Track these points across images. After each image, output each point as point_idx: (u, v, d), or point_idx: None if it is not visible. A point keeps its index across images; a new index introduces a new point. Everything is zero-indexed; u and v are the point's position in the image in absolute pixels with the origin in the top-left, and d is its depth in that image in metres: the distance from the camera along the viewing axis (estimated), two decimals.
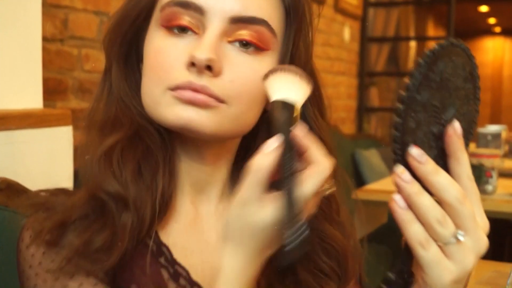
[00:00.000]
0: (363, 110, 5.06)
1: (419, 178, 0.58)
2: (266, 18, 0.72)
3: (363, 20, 5.02)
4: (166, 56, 0.71)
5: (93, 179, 0.72)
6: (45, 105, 1.34)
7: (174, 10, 0.71)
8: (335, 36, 4.47)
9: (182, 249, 0.75)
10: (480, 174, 2.35)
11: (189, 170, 0.78)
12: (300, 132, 0.63)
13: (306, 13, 0.78)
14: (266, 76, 0.69)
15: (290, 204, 0.58)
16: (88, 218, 0.70)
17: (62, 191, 0.77)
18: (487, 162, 2.35)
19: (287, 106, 0.65)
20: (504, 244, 2.94)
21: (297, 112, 0.65)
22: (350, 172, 3.42)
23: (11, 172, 1.05)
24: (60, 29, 1.89)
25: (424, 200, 0.57)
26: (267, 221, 0.62)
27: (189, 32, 0.72)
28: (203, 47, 0.69)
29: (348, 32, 4.74)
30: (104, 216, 0.70)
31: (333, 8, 4.35)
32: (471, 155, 2.41)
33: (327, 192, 0.61)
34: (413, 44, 6.69)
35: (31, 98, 1.29)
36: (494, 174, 2.37)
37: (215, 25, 0.70)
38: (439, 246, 0.58)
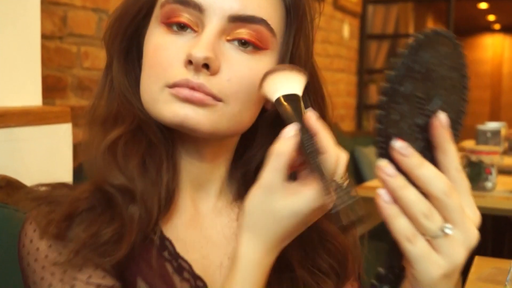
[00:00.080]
0: (362, 107, 5.07)
1: (404, 172, 0.56)
2: (265, 17, 0.72)
3: (362, 17, 5.02)
4: (164, 54, 0.71)
5: (98, 173, 0.72)
6: (44, 102, 1.34)
7: (174, 7, 0.71)
8: (335, 33, 4.48)
9: (183, 244, 0.76)
10: (479, 171, 2.35)
11: (188, 167, 0.78)
12: (313, 115, 0.63)
13: (306, 12, 0.77)
14: (260, 85, 0.70)
15: (323, 171, 0.59)
16: (94, 211, 0.71)
17: (63, 185, 0.77)
18: (486, 159, 2.35)
19: (291, 98, 0.66)
20: (504, 240, 2.95)
21: (300, 102, 0.66)
22: (349, 169, 3.42)
23: (10, 169, 1.05)
24: (59, 27, 1.89)
25: (409, 194, 0.56)
26: (291, 209, 0.62)
27: (188, 30, 0.72)
28: (201, 45, 0.69)
29: (347, 29, 4.74)
30: (111, 208, 0.71)
31: (332, 5, 4.35)
32: (471, 152, 2.41)
33: (345, 184, 0.60)
34: None
35: (30, 96, 1.29)
36: (494, 171, 2.37)
37: (213, 24, 0.70)
38: (427, 240, 0.56)
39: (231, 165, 0.82)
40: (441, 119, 0.57)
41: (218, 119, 0.71)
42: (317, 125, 0.63)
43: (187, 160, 0.78)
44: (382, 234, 0.58)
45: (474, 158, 2.36)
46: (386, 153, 0.56)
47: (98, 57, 2.04)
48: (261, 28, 0.72)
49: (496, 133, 3.09)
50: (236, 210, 0.82)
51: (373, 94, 5.38)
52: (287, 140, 0.62)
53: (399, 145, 0.56)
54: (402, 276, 0.60)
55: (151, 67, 0.72)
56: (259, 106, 0.76)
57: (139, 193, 0.71)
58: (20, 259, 0.72)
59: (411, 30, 6.80)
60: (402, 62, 0.56)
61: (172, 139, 0.76)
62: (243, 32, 0.71)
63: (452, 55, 0.59)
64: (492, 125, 3.24)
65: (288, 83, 0.68)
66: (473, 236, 0.57)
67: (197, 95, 0.69)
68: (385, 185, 0.56)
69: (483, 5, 8.87)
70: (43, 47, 1.36)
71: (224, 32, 0.71)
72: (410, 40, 0.56)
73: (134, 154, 0.73)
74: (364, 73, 5.08)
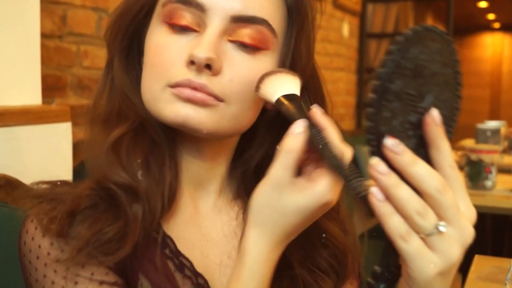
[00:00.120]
0: (362, 106, 5.06)
1: (397, 170, 0.56)
2: (267, 18, 0.72)
3: (362, 16, 5.02)
4: (166, 53, 0.71)
5: (101, 171, 0.72)
6: (44, 101, 1.34)
7: (176, 6, 0.71)
8: (334, 32, 4.47)
9: (184, 242, 0.76)
10: (479, 170, 2.35)
11: (188, 166, 0.78)
12: (318, 111, 0.64)
13: (308, 13, 0.78)
14: (257, 87, 0.70)
15: (340, 163, 0.59)
16: (96, 208, 0.71)
17: (64, 183, 0.77)
18: (486, 158, 2.35)
19: (291, 97, 0.67)
20: (504, 239, 2.95)
21: (300, 100, 0.67)
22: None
23: (10, 168, 1.05)
24: (58, 26, 1.89)
25: (402, 192, 0.55)
26: (299, 205, 0.62)
27: (190, 30, 0.72)
28: (203, 46, 0.69)
29: (347, 28, 4.74)
30: (114, 207, 0.71)
31: (332, 4, 4.35)
32: (471, 150, 2.41)
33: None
34: None
35: (30, 95, 1.29)
36: (494, 170, 2.37)
37: (215, 24, 0.70)
38: (422, 238, 0.56)
39: (231, 164, 0.82)
40: (434, 116, 0.57)
41: (220, 119, 0.71)
42: (324, 120, 0.64)
43: (187, 159, 0.78)
44: (382, 233, 0.57)
45: (474, 157, 2.36)
46: (378, 151, 0.56)
47: (97, 56, 2.04)
48: (262, 28, 0.72)
49: (496, 132, 3.09)
50: (235, 208, 0.82)
51: None
52: (296, 136, 0.62)
53: (390, 143, 0.55)
54: (399, 274, 0.60)
55: (153, 66, 0.72)
56: (260, 106, 0.76)
57: (143, 192, 0.71)
58: (21, 257, 0.72)
59: None
60: (391, 59, 0.55)
61: (173, 138, 0.77)
62: (245, 33, 0.71)
63: (443, 51, 0.59)
64: (491, 124, 3.23)
65: (286, 85, 0.69)
66: (468, 234, 0.57)
67: (199, 95, 0.69)
68: (378, 183, 0.56)
69: (483, 4, 8.87)
70: (43, 46, 1.36)
71: (225, 32, 0.71)
72: (399, 37, 0.56)
73: (138, 152, 0.73)
74: (364, 72, 5.08)
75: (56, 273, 0.68)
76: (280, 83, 0.69)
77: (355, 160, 0.63)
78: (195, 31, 0.71)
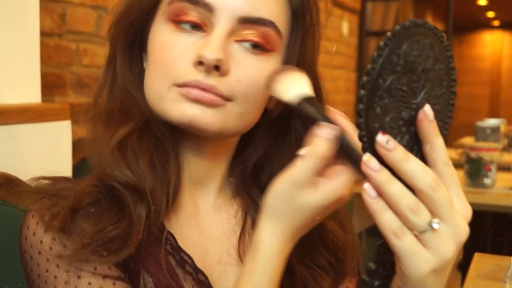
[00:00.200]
0: None
1: (389, 166, 0.55)
2: (273, 20, 0.73)
3: (361, 14, 5.02)
4: (172, 52, 0.71)
5: (105, 169, 0.72)
6: (43, 99, 1.34)
7: (183, 5, 0.71)
8: (334, 30, 4.47)
9: (184, 239, 0.76)
10: (479, 167, 2.35)
11: (189, 164, 0.78)
12: (341, 114, 0.65)
13: (313, 15, 0.78)
14: (268, 85, 0.70)
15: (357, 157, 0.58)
16: (99, 205, 0.71)
17: (65, 179, 0.77)
18: (486, 156, 2.35)
19: (309, 98, 0.66)
20: (503, 237, 2.95)
21: (317, 101, 0.67)
22: None
23: (9, 166, 1.05)
24: (58, 24, 1.89)
25: (395, 188, 0.54)
26: (317, 202, 0.63)
27: (197, 29, 0.72)
28: (212, 47, 0.69)
29: (346, 26, 4.74)
30: (118, 205, 0.71)
31: (331, 2, 4.35)
32: (470, 148, 2.41)
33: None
34: None
35: (30, 93, 1.29)
36: (493, 168, 2.37)
37: (223, 24, 0.71)
38: (415, 235, 0.55)
39: (231, 162, 0.82)
40: (426, 112, 0.56)
41: (226, 119, 0.71)
42: (347, 123, 0.64)
43: (189, 158, 0.78)
44: (378, 230, 0.57)
45: (473, 154, 2.36)
46: (370, 147, 0.56)
47: (97, 54, 2.04)
48: (269, 30, 0.72)
49: (495, 129, 3.09)
50: (235, 206, 0.82)
51: None
52: (327, 141, 0.61)
53: (382, 139, 0.55)
54: (393, 271, 0.59)
55: (158, 64, 0.72)
56: (263, 105, 0.76)
57: (149, 191, 0.71)
58: (22, 253, 0.72)
59: None
60: (380, 54, 0.55)
61: (176, 137, 0.77)
62: (252, 34, 0.72)
63: (435, 47, 0.58)
64: (491, 122, 3.23)
65: (298, 83, 0.68)
66: (462, 231, 0.56)
67: (208, 96, 0.70)
68: (370, 179, 0.55)
69: (482, 2, 8.86)
70: (42, 44, 1.36)
71: (233, 33, 0.71)
72: (389, 33, 0.55)
73: (143, 152, 0.73)
74: (363, 70, 5.07)
75: (58, 267, 0.68)
76: (293, 81, 0.68)
77: None
78: (202, 30, 0.71)
